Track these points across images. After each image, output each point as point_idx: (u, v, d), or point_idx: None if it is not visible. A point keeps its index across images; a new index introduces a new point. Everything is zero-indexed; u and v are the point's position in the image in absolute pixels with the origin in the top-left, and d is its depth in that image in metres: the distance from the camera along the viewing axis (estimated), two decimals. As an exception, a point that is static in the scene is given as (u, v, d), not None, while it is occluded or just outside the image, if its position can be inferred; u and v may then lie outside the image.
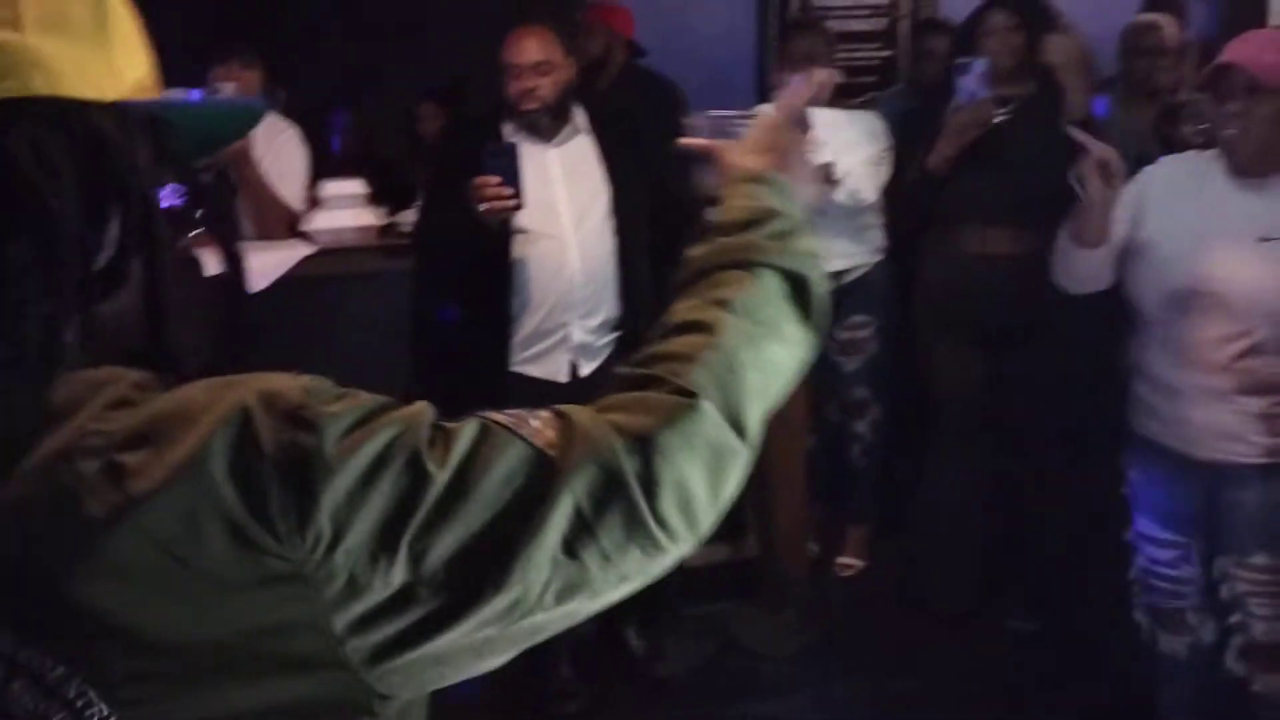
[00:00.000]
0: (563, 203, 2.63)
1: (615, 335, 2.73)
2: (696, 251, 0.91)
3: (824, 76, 1.15)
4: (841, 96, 3.61)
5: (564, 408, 0.76)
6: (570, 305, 2.64)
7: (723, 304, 0.84)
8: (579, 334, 2.67)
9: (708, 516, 0.76)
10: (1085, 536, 2.96)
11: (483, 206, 2.40)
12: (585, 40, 3.85)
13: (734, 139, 1.05)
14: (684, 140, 1.15)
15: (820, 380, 3.32)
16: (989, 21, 2.85)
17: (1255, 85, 1.99)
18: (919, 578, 3.25)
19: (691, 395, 0.77)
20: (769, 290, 0.87)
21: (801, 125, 1.09)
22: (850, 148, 3.08)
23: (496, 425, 0.72)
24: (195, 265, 2.35)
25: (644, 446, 0.73)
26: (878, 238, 3.30)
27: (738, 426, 0.79)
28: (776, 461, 3.19)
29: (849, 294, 3.25)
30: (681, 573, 3.07)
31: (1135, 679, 2.51)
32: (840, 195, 3.06)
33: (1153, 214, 2.18)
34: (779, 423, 3.09)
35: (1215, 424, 2.12)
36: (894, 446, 3.39)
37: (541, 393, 2.69)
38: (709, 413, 0.77)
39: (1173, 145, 3.04)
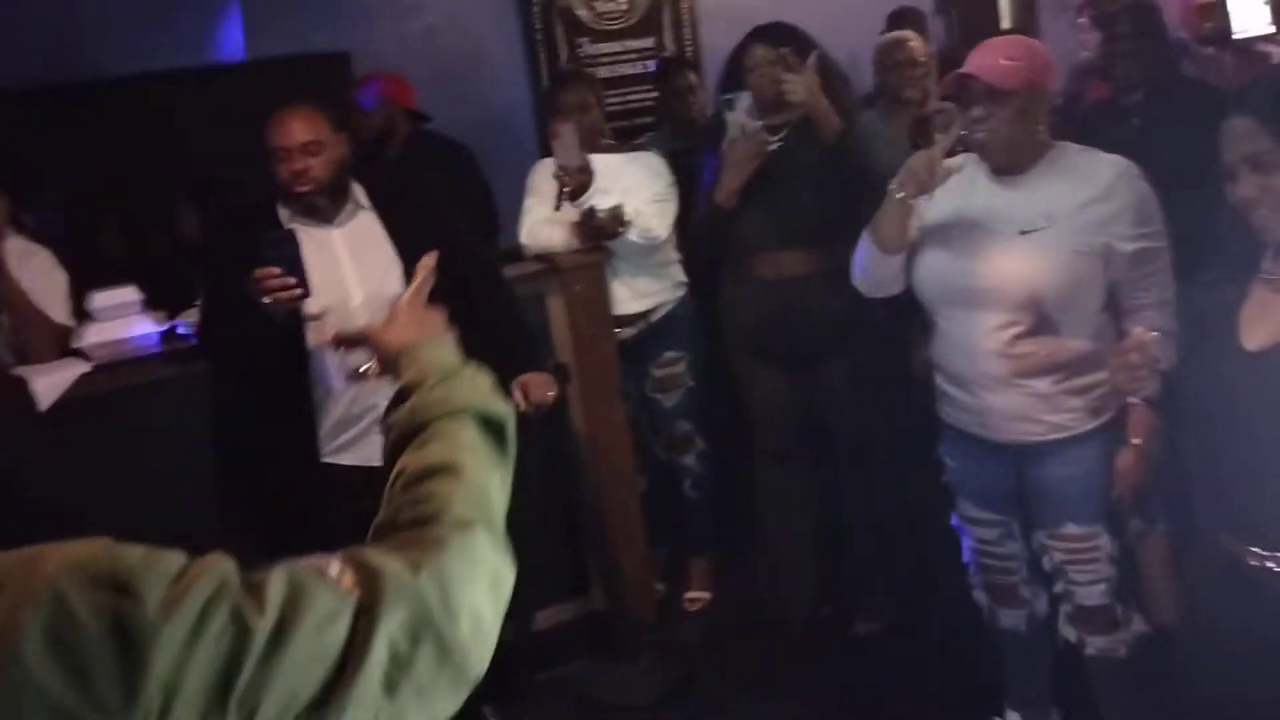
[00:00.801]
0: (353, 283, 2.54)
1: None
2: (401, 415, 1.06)
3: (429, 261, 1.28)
4: (619, 139, 3.69)
5: (354, 552, 0.80)
6: (377, 385, 2.54)
7: (451, 447, 0.97)
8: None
9: (493, 637, 0.83)
10: (915, 530, 3.06)
11: (266, 299, 2.29)
12: (364, 114, 3.79)
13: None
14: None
15: (642, 420, 3.34)
16: (750, 56, 2.93)
17: (993, 91, 2.11)
18: (764, 599, 3.28)
19: (465, 525, 0.86)
20: (474, 430, 1.02)
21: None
22: (635, 188, 3.12)
23: (303, 573, 0.73)
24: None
25: (439, 579, 0.79)
26: (678, 273, 3.35)
27: (502, 546, 0.89)
28: (611, 511, 3.18)
29: (658, 332, 3.29)
30: (532, 637, 3.02)
31: (985, 660, 2.60)
32: (633, 236, 3.09)
33: (929, 215, 2.28)
34: (608, 472, 3.09)
35: (1006, 407, 2.23)
36: (726, 474, 3.42)
37: (361, 480, 2.58)
38: (483, 537, 0.86)
39: None
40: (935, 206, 2.27)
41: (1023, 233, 2.15)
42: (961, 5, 4.82)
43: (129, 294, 2.91)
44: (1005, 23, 5.96)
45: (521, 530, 3.04)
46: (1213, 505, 1.80)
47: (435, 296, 2.57)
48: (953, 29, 4.67)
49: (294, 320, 2.41)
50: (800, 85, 2.83)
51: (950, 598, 2.62)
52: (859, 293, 2.48)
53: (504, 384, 2.60)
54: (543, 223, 3.18)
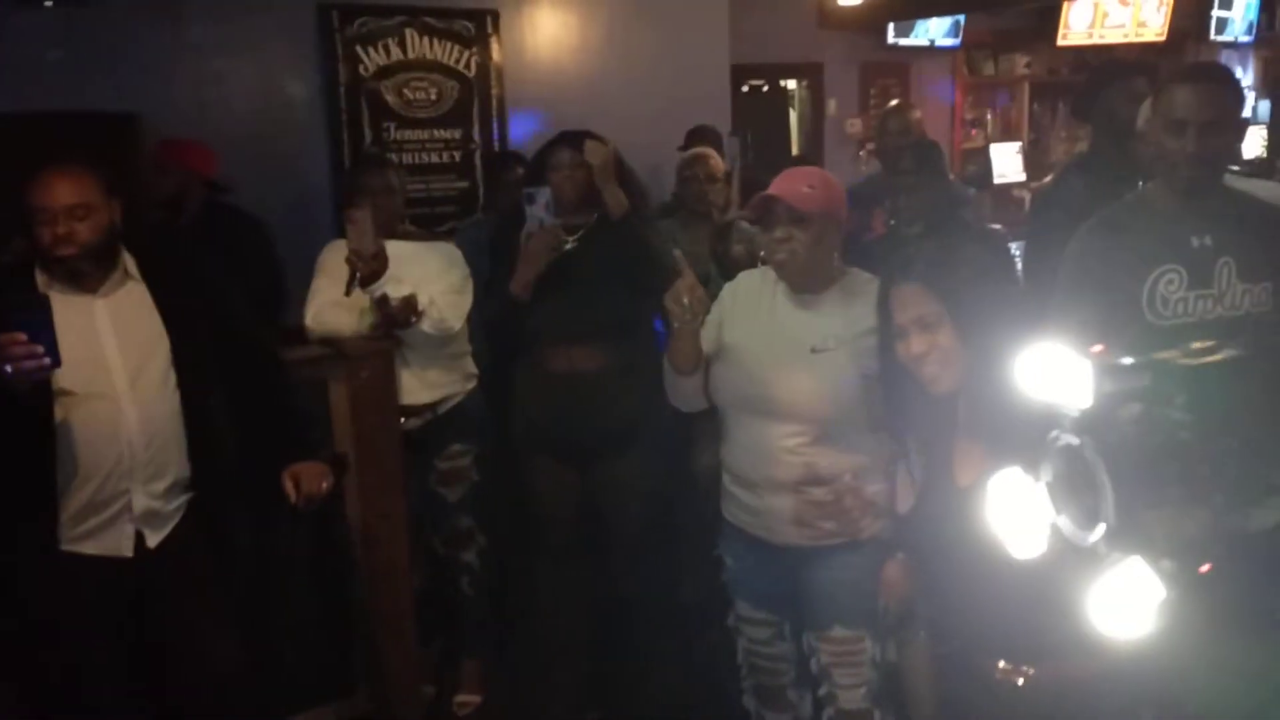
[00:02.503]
0: (114, 358, 2.37)
1: (187, 497, 2.47)
2: None
3: None
4: (422, 226, 3.64)
5: None
6: (130, 470, 2.36)
7: None
8: (143, 500, 2.39)
9: None
10: (689, 632, 3.06)
11: (8, 368, 2.10)
12: (159, 178, 3.60)
13: None
14: None
15: (423, 515, 3.23)
16: (555, 158, 3.00)
17: (796, 215, 2.26)
18: (534, 702, 3.20)
19: None
20: None
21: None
22: (431, 278, 3.07)
23: None
24: None
25: None
26: (469, 365, 3.31)
27: None
28: (382, 607, 3.04)
29: (445, 424, 3.22)
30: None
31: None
32: (426, 326, 3.03)
33: (729, 325, 2.40)
34: (381, 567, 2.95)
35: (786, 512, 2.32)
36: (503, 574, 3.34)
37: (104, 573, 2.38)
38: None
39: (724, 262, 3.34)
40: (737, 316, 2.40)
41: (814, 351, 2.27)
42: (755, 128, 5.09)
43: None
44: (794, 149, 6.35)
45: (286, 627, 2.88)
46: (962, 622, 1.89)
47: (206, 379, 2.48)
48: (747, 149, 4.91)
49: (39, 393, 2.22)
50: (598, 151, 2.94)
51: (724, 700, 2.62)
52: (648, 391, 2.52)
53: (275, 472, 2.51)
54: (330, 306, 3.08)
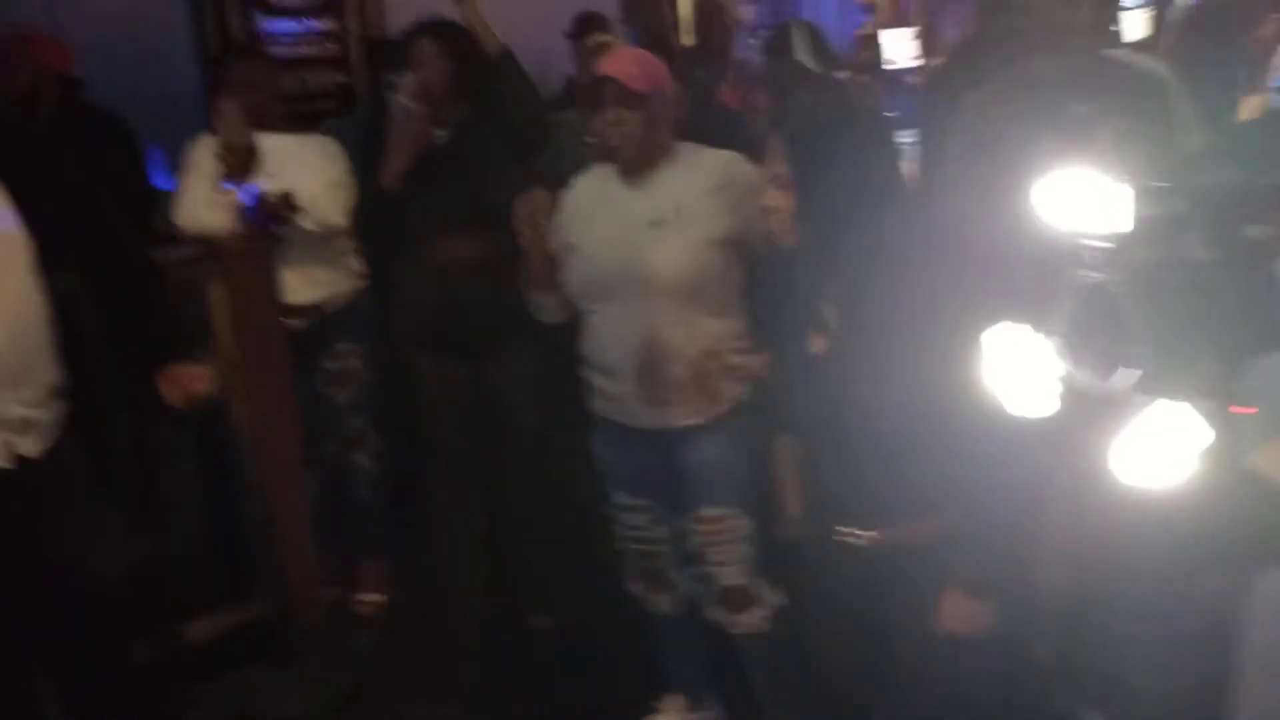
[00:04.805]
0: None
1: (64, 406, 2.45)
2: None
3: None
4: (298, 122, 3.58)
5: None
6: None
7: None
8: (13, 408, 2.36)
9: None
10: (586, 523, 3.16)
11: None
12: (8, 77, 3.44)
13: None
14: None
15: (313, 416, 3.24)
16: (418, 50, 2.97)
17: (628, 96, 2.31)
18: (436, 599, 3.29)
19: None
20: None
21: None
22: (309, 173, 3.05)
23: None
24: None
25: None
26: (354, 263, 3.30)
27: None
28: (277, 512, 3.07)
29: (332, 323, 3.22)
30: (188, 647, 2.85)
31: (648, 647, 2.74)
32: (307, 223, 3.01)
33: (573, 222, 2.45)
34: (274, 471, 2.98)
35: (648, 395, 2.40)
36: (401, 472, 3.39)
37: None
38: None
39: None
40: (579, 213, 2.45)
41: (651, 224, 2.33)
42: (646, 16, 5.05)
43: None
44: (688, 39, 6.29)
45: (176, 532, 2.90)
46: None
47: (71, 282, 2.44)
48: (636, 39, 4.88)
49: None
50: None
51: (617, 590, 2.74)
52: None
53: (152, 374, 2.50)
54: (202, 204, 3.03)
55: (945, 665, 1.93)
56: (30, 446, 2.41)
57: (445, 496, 3.23)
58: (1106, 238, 1.27)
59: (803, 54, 3.36)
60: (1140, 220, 1.24)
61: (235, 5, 4.27)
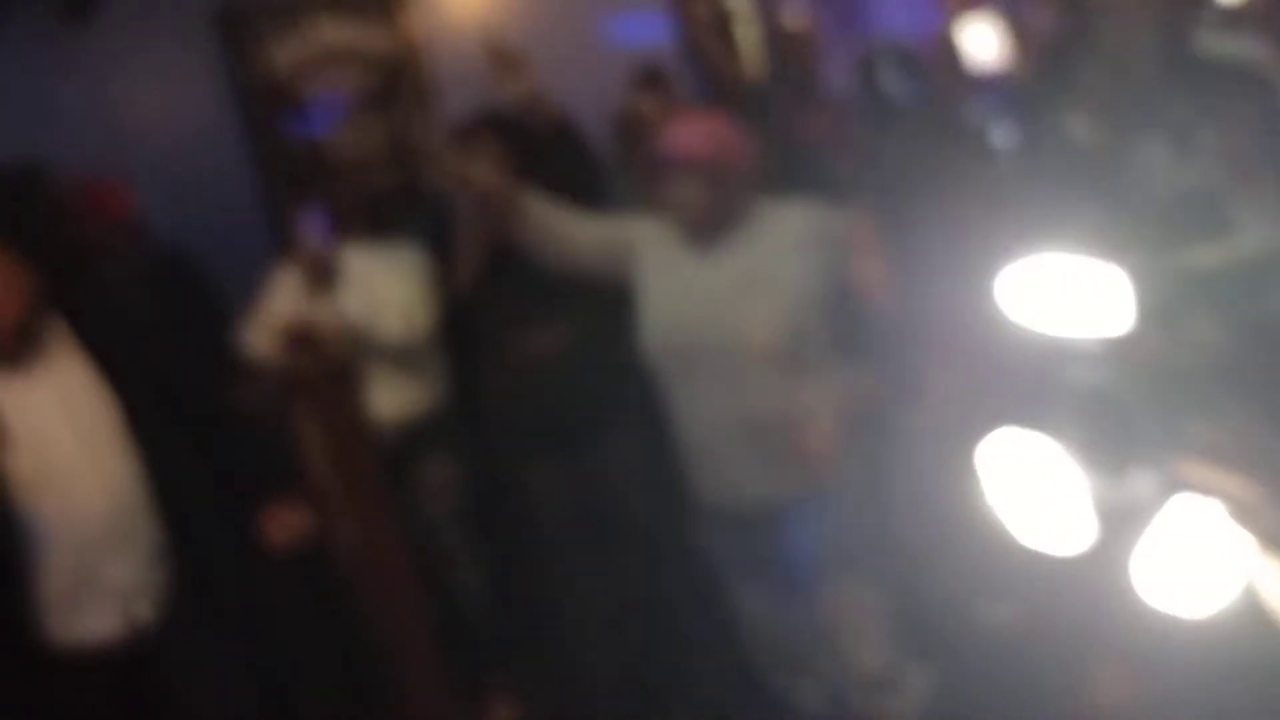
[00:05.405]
0: (62, 433, 2.32)
1: (170, 566, 2.43)
2: None
3: None
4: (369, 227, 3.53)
5: None
6: (101, 545, 2.34)
7: None
8: (122, 573, 2.36)
9: None
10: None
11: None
12: (76, 233, 3.44)
13: None
14: None
15: (419, 536, 3.15)
16: (476, 146, 2.89)
17: (692, 169, 2.24)
18: (569, 698, 3.17)
19: None
20: None
21: None
22: (395, 283, 3.01)
23: None
24: None
25: None
26: (437, 371, 3.21)
27: None
28: (396, 640, 2.99)
29: (421, 435, 3.13)
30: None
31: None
32: (389, 331, 2.96)
33: (644, 267, 2.38)
34: (386, 597, 2.85)
35: (752, 471, 2.28)
36: (511, 581, 3.30)
37: (95, 664, 2.34)
38: None
39: None
40: (649, 266, 2.36)
41: (727, 292, 2.24)
42: (707, 57, 4.84)
43: None
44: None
45: (300, 674, 2.84)
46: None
47: (160, 440, 2.42)
48: (700, 82, 4.74)
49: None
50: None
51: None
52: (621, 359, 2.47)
53: (251, 522, 2.47)
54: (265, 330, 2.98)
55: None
56: (145, 610, 2.39)
57: (567, 602, 3.13)
58: (1101, 336, 1.10)
59: (890, 85, 3.21)
60: (1141, 311, 1.09)
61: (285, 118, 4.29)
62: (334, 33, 4.39)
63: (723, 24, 5.07)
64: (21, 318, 2.29)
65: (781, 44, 4.80)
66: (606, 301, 2.93)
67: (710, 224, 2.28)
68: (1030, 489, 1.23)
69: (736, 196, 2.28)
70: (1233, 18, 3.21)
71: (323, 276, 2.86)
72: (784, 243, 2.23)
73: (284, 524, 2.48)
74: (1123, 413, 1.15)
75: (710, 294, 2.26)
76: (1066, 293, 1.13)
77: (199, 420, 2.52)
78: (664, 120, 3.74)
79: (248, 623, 2.80)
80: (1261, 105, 2.15)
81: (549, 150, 2.97)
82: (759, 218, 2.29)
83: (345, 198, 3.23)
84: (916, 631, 2.29)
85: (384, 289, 2.97)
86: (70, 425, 2.33)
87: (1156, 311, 1.13)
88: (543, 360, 2.91)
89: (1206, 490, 1.07)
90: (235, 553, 2.67)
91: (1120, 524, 1.14)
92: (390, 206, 4.34)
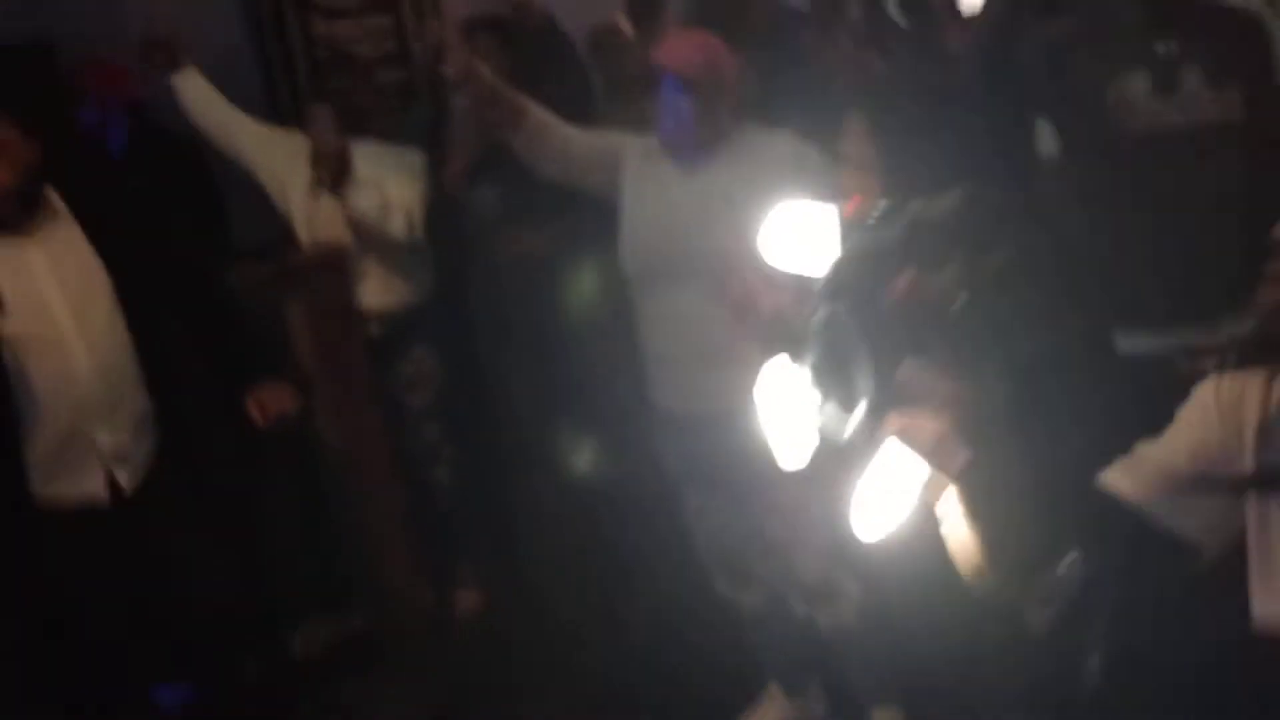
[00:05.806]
0: (55, 298, 2.40)
1: (155, 435, 2.52)
2: None
3: None
4: (368, 122, 3.56)
5: None
6: (89, 410, 2.42)
7: None
8: (107, 438, 2.45)
9: None
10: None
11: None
12: (78, 108, 3.48)
13: None
14: None
15: (392, 425, 3.24)
16: (475, 46, 2.93)
17: (682, 83, 2.24)
18: (532, 593, 3.30)
19: None
20: None
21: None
22: (402, 183, 3.06)
23: None
24: None
25: None
26: (425, 266, 3.29)
27: None
28: (370, 521, 3.11)
29: (407, 328, 3.22)
30: (290, 661, 2.91)
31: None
32: (395, 230, 3.02)
33: (627, 179, 2.38)
34: (364, 481, 2.97)
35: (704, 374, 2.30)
36: (484, 476, 3.41)
37: (80, 523, 2.45)
38: None
39: None
40: (630, 180, 2.36)
41: (700, 212, 2.25)
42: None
43: None
44: None
45: (274, 550, 2.95)
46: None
47: (153, 312, 2.49)
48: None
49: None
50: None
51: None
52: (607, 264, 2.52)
53: (237, 399, 2.55)
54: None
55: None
56: (126, 478, 2.49)
57: (542, 487, 3.22)
58: (825, 268, 1.25)
59: (891, 7, 3.20)
60: (857, 248, 1.23)
61: (292, 10, 4.29)
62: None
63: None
64: (22, 184, 2.35)
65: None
66: (592, 210, 3.02)
67: (695, 139, 2.30)
68: (781, 412, 1.41)
69: (724, 115, 2.30)
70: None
71: (339, 173, 2.91)
72: (764, 169, 2.24)
73: (270, 404, 2.55)
74: (849, 350, 1.25)
75: (685, 209, 2.29)
76: (805, 235, 1.32)
77: (192, 298, 2.60)
78: (644, 40, 3.81)
79: (230, 498, 2.92)
80: (1254, 46, 2.18)
81: (541, 55, 3.01)
82: (744, 141, 2.32)
83: (356, 96, 3.26)
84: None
85: (393, 188, 3.02)
86: (62, 291, 2.40)
87: (908, 256, 1.23)
88: (530, 262, 2.97)
89: (899, 427, 1.21)
90: (220, 429, 2.78)
91: (835, 450, 1.29)
92: (393, 104, 4.41)
